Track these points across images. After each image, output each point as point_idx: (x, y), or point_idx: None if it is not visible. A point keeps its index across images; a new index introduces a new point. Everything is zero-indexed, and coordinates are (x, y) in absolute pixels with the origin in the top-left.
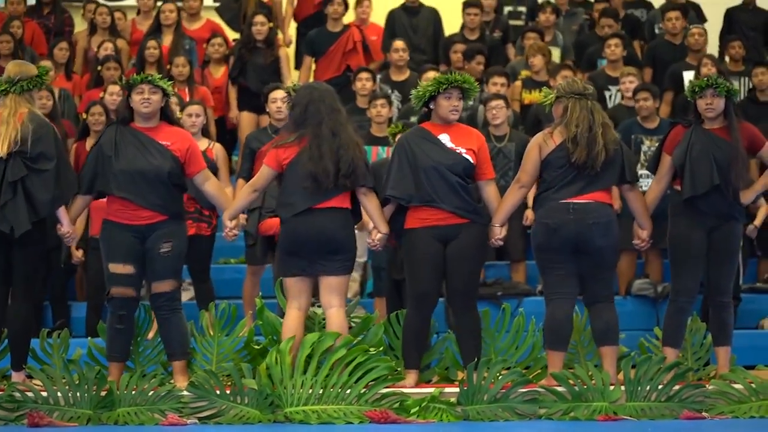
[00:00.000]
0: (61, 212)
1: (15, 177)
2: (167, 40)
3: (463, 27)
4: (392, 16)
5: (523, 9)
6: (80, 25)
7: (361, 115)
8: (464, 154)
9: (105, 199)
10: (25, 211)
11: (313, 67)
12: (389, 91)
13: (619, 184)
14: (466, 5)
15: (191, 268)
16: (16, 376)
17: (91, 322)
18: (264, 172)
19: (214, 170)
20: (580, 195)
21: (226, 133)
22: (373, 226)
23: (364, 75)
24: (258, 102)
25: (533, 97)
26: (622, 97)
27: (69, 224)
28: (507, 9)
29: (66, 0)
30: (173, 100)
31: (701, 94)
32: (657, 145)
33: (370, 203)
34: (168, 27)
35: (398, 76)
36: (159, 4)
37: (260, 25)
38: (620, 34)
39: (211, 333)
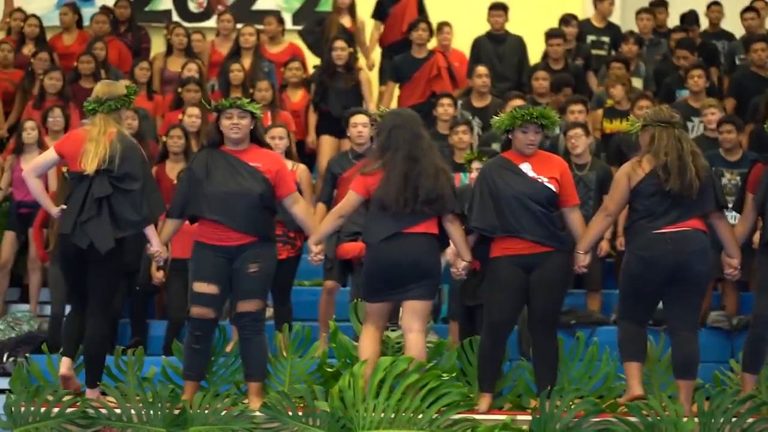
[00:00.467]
0: (150, 232)
1: (101, 194)
2: (246, 63)
3: (546, 56)
4: (477, 43)
5: (606, 39)
6: (159, 46)
7: (442, 141)
8: (546, 183)
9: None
10: (109, 228)
11: (397, 92)
12: (470, 117)
13: (711, 212)
14: (549, 35)
15: (273, 289)
16: (91, 393)
17: (169, 341)
18: (351, 198)
19: (298, 192)
20: (676, 224)
21: (304, 157)
22: (457, 253)
23: (445, 101)
24: (339, 126)
25: (614, 126)
26: (705, 129)
27: (159, 244)
28: (590, 38)
29: (146, 21)
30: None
31: None
32: (738, 178)
33: (455, 230)
34: (247, 50)
35: (480, 102)
36: (239, 26)
37: (340, 50)
38: (702, 64)
39: (285, 354)
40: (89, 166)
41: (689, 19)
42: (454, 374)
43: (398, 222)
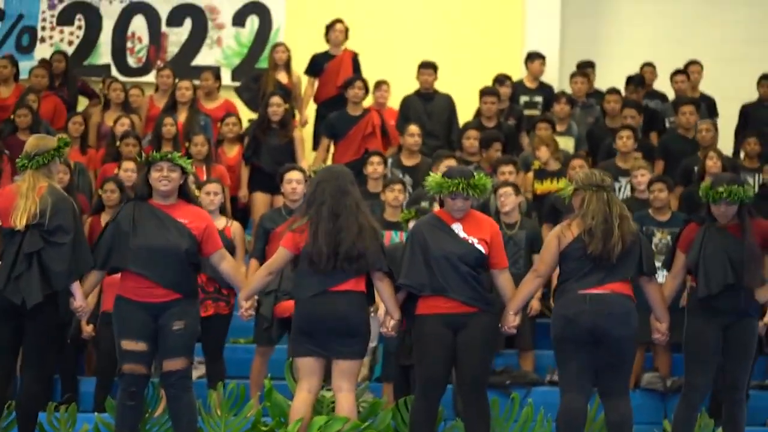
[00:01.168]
0: (75, 286)
1: (31, 249)
2: (182, 116)
3: (479, 114)
4: (407, 101)
5: (539, 99)
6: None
7: (373, 199)
8: (476, 245)
9: (118, 275)
10: (38, 282)
11: (332, 149)
12: (400, 176)
13: (637, 276)
14: (483, 93)
15: (205, 347)
16: None
17: (100, 398)
18: (280, 254)
19: (231, 249)
20: (597, 286)
21: (236, 212)
22: (386, 311)
23: (375, 159)
24: (272, 183)
25: (545, 186)
26: (633, 190)
27: (82, 298)
28: (523, 99)
29: (85, 74)
30: (191, 178)
31: (716, 202)
32: (669, 237)
33: (384, 288)
34: (183, 104)
35: (410, 161)
36: (177, 80)
37: (276, 106)
38: (632, 126)
39: (219, 412)
40: (19, 221)
41: (635, 80)
42: None
43: (324, 279)
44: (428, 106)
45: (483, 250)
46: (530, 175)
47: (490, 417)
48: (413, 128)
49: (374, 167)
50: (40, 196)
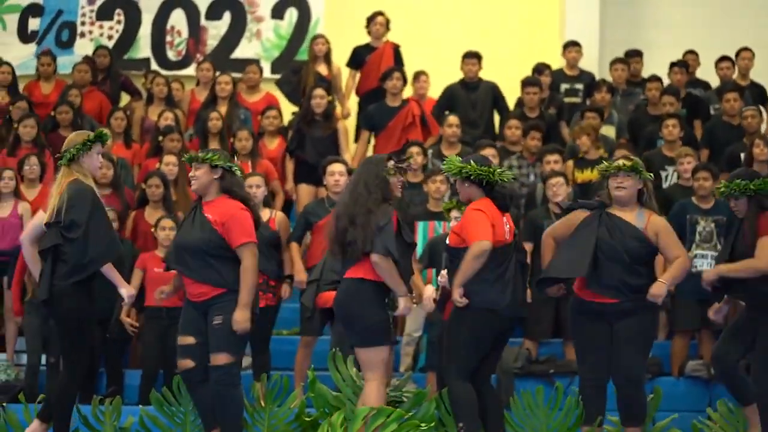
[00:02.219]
0: (111, 274)
1: (45, 245)
2: (222, 111)
3: (520, 104)
4: (450, 90)
5: (580, 86)
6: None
7: (413, 189)
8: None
9: (160, 271)
10: (47, 279)
11: (372, 141)
12: (441, 166)
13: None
14: (525, 83)
15: (252, 338)
16: None
17: (145, 391)
18: None
19: (277, 239)
20: None
21: (283, 205)
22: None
23: (414, 149)
24: (316, 174)
25: (585, 176)
26: (679, 177)
27: (122, 283)
28: (564, 86)
29: (125, 69)
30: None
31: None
32: (712, 225)
33: (381, 269)
34: (223, 98)
35: (450, 151)
36: (218, 74)
37: (319, 98)
38: (677, 114)
39: (263, 404)
40: (47, 218)
41: (679, 65)
42: (432, 424)
43: (341, 267)
44: (472, 95)
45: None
46: (570, 163)
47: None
48: (452, 119)
49: (413, 158)
50: (61, 192)
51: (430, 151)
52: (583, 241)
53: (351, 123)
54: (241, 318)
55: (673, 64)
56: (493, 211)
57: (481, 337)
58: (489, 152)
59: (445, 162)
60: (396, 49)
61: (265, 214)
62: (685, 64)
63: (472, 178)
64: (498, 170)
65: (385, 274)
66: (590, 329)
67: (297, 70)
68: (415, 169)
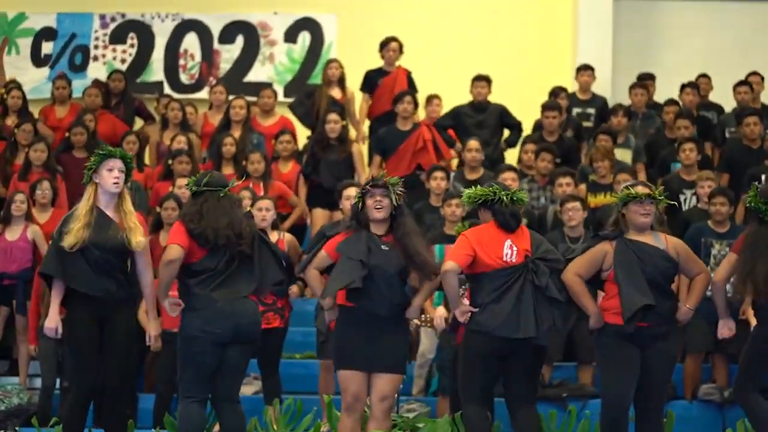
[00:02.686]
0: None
1: None
2: (236, 134)
3: (539, 127)
4: (458, 111)
5: (591, 110)
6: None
7: (434, 214)
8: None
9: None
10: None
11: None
12: (462, 190)
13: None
14: (545, 108)
15: (261, 361)
16: None
17: (159, 414)
18: None
19: (286, 260)
20: None
21: (295, 229)
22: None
23: (438, 174)
24: (331, 198)
25: (598, 200)
26: (698, 200)
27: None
28: (576, 110)
29: (137, 92)
30: (246, 194)
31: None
32: (727, 249)
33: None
34: (237, 123)
35: (472, 175)
36: (230, 98)
37: (333, 123)
38: (694, 138)
39: (275, 428)
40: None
41: (690, 86)
42: None
43: None
44: (480, 116)
45: None
46: (583, 187)
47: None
48: (473, 143)
49: (437, 182)
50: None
51: (452, 175)
52: (631, 272)
53: (365, 147)
54: None
55: (684, 86)
56: (483, 236)
57: (476, 358)
58: (509, 176)
59: (464, 195)
60: (409, 75)
61: (273, 236)
62: (696, 85)
63: (479, 202)
64: (501, 191)
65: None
66: (622, 354)
67: (310, 93)
68: (437, 194)
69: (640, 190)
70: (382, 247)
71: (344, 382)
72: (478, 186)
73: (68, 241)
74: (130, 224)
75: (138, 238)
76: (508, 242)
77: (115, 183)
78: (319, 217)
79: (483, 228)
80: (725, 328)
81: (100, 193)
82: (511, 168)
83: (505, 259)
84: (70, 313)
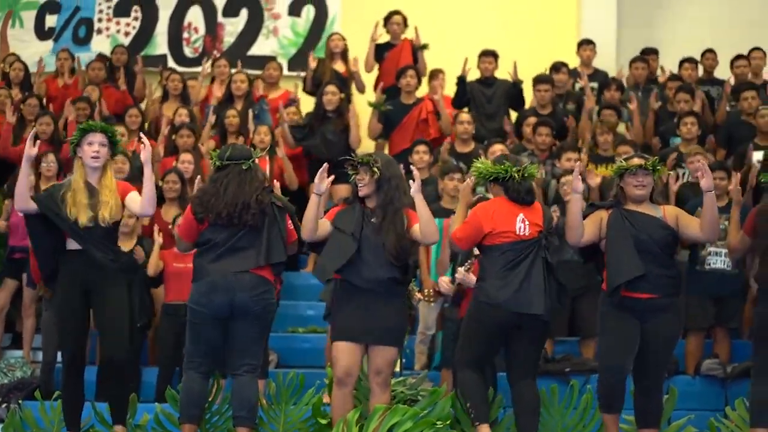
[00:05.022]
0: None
1: None
2: (239, 108)
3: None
4: (468, 87)
5: (594, 85)
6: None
7: (428, 186)
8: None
9: (182, 266)
10: None
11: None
12: (455, 163)
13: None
14: (536, 81)
15: None
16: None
17: (161, 388)
18: None
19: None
20: None
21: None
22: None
23: (420, 148)
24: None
25: (600, 171)
26: (690, 175)
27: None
28: (578, 85)
29: (143, 65)
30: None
31: None
32: (726, 223)
33: None
34: (239, 97)
35: (463, 148)
36: (233, 71)
37: (331, 94)
38: (695, 112)
39: (264, 404)
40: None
41: (689, 61)
42: (448, 422)
43: None
44: (488, 90)
45: None
46: (585, 159)
47: (539, 405)
48: (464, 116)
49: (420, 156)
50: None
51: (446, 148)
52: (622, 242)
53: (364, 119)
54: None
55: (683, 61)
56: (493, 210)
57: (481, 328)
58: (498, 148)
59: (472, 167)
60: (414, 48)
61: None
62: (695, 60)
63: (491, 178)
64: (512, 168)
65: None
66: (620, 324)
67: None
68: (421, 167)
69: (635, 162)
70: (372, 220)
71: (337, 354)
72: (484, 161)
73: (81, 221)
74: (102, 198)
75: (103, 213)
76: (520, 216)
77: (93, 157)
78: (342, 191)
79: (494, 202)
80: None
81: (86, 167)
82: (498, 141)
83: (518, 233)
84: (57, 284)
